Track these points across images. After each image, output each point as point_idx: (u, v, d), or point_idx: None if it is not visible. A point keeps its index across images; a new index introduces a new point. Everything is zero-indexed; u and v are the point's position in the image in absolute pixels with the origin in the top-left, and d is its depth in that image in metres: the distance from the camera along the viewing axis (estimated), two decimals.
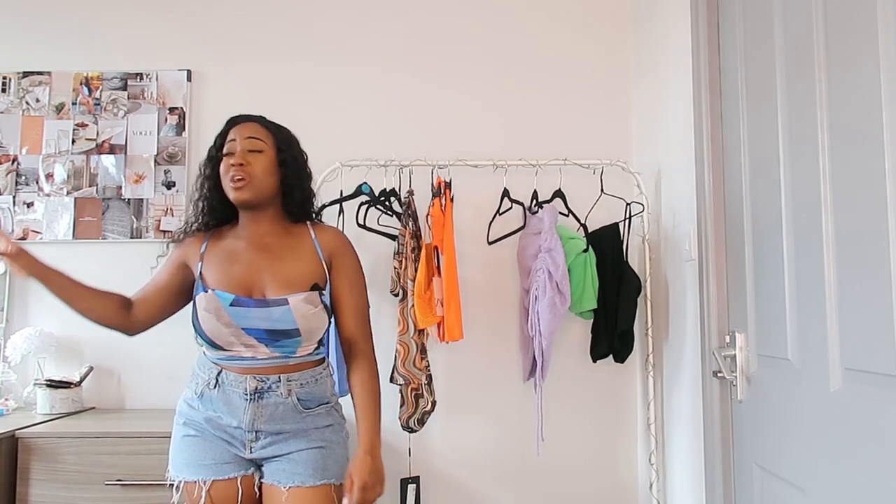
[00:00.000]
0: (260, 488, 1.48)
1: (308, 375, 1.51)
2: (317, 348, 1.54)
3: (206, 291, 1.47)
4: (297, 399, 1.47)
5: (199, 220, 1.59)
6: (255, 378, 1.45)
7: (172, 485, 1.49)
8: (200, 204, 1.59)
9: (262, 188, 1.51)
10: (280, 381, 1.47)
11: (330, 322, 1.55)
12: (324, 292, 1.51)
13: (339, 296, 1.56)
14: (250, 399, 1.45)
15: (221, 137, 1.56)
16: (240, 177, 1.47)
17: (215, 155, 1.55)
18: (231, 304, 1.45)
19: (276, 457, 1.47)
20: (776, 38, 1.43)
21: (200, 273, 1.52)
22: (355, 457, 1.44)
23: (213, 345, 1.48)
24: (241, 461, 1.48)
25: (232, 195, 1.50)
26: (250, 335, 1.45)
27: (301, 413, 1.48)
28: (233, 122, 1.58)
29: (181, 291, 1.56)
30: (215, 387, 1.47)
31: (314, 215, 1.66)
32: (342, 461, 1.51)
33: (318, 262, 1.54)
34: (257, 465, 1.50)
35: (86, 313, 1.52)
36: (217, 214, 1.58)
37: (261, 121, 1.58)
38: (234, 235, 1.57)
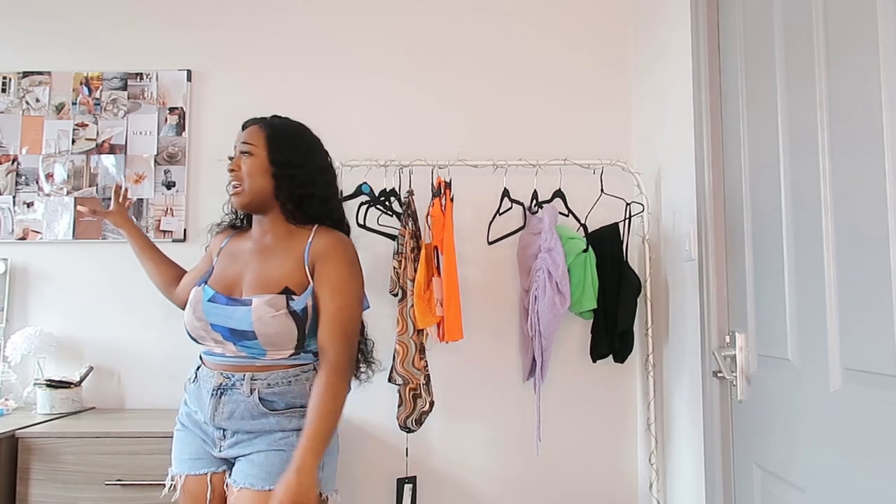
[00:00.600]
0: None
1: (279, 376, 1.46)
2: (294, 353, 1.47)
3: (200, 286, 1.53)
4: (260, 398, 1.44)
5: (228, 219, 1.69)
6: (221, 374, 1.47)
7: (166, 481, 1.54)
8: (228, 205, 1.68)
9: (255, 190, 1.51)
10: (244, 378, 1.46)
11: (304, 329, 1.47)
12: (294, 298, 1.45)
13: (318, 302, 1.48)
14: (212, 394, 1.46)
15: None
16: (234, 183, 1.54)
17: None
18: (208, 300, 1.49)
19: (241, 456, 1.47)
20: (776, 39, 1.43)
21: (212, 269, 1.59)
22: (283, 476, 1.35)
23: (191, 336, 1.53)
24: (213, 458, 1.49)
25: (231, 201, 1.57)
26: (216, 331, 1.47)
27: (265, 413, 1.44)
28: (243, 128, 1.60)
29: None
30: (193, 381, 1.53)
31: (328, 217, 1.58)
32: None
33: (299, 267, 1.49)
34: (230, 463, 1.50)
35: (146, 272, 1.82)
36: (239, 216, 1.68)
37: (262, 122, 1.57)
38: (248, 236, 1.61)
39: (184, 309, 1.71)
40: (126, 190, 1.90)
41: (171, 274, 1.79)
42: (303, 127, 1.60)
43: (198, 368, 1.54)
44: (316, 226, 1.55)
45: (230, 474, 1.48)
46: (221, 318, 1.46)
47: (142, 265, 1.82)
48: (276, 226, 1.55)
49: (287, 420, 1.46)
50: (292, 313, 1.43)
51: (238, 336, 1.44)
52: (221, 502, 1.48)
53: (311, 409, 1.39)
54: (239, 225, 1.68)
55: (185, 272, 1.79)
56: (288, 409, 1.46)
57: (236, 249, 1.59)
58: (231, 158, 1.56)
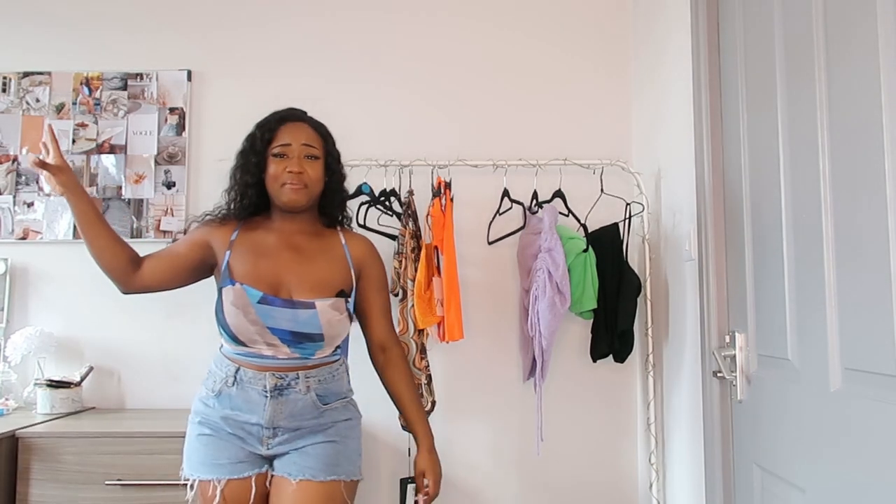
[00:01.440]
0: (271, 482, 1.49)
1: (326, 372, 1.53)
2: (334, 351, 1.56)
3: (234, 284, 1.46)
4: (316, 395, 1.49)
5: (234, 209, 1.58)
6: (274, 375, 1.46)
7: (187, 483, 1.48)
8: (237, 194, 1.57)
9: (317, 193, 1.57)
10: (299, 377, 1.48)
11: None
12: (349, 300, 1.54)
13: (368, 303, 1.61)
14: (270, 396, 1.45)
15: (269, 132, 1.54)
16: (299, 184, 1.51)
17: (262, 150, 1.54)
18: (258, 302, 1.45)
19: (293, 449, 1.48)
20: (776, 38, 1.43)
21: (228, 263, 1.50)
22: (421, 457, 1.59)
23: (236, 340, 1.47)
24: (256, 459, 1.48)
25: (284, 200, 1.52)
26: (275, 335, 1.46)
27: (320, 408, 1.50)
28: (283, 119, 1.57)
29: (194, 268, 1.55)
30: (234, 384, 1.47)
31: (344, 220, 1.67)
32: (354, 457, 1.53)
33: (346, 269, 1.57)
34: (270, 461, 1.50)
35: (96, 251, 1.48)
36: (253, 208, 1.58)
37: (311, 122, 1.60)
38: (266, 228, 1.57)
39: (127, 294, 1.53)
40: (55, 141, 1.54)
41: (129, 254, 1.50)
42: None
43: (237, 371, 1.47)
44: (338, 227, 1.64)
45: (274, 469, 1.48)
46: (281, 322, 1.45)
47: (89, 242, 1.47)
48: (307, 225, 1.59)
49: (338, 412, 1.53)
50: (349, 314, 1.54)
51: (300, 338, 1.47)
52: (263, 502, 1.48)
53: (411, 400, 1.64)
54: (245, 215, 1.58)
55: (137, 254, 1.53)
56: (337, 400, 1.53)
57: (257, 244, 1.54)
58: (281, 155, 1.52)
